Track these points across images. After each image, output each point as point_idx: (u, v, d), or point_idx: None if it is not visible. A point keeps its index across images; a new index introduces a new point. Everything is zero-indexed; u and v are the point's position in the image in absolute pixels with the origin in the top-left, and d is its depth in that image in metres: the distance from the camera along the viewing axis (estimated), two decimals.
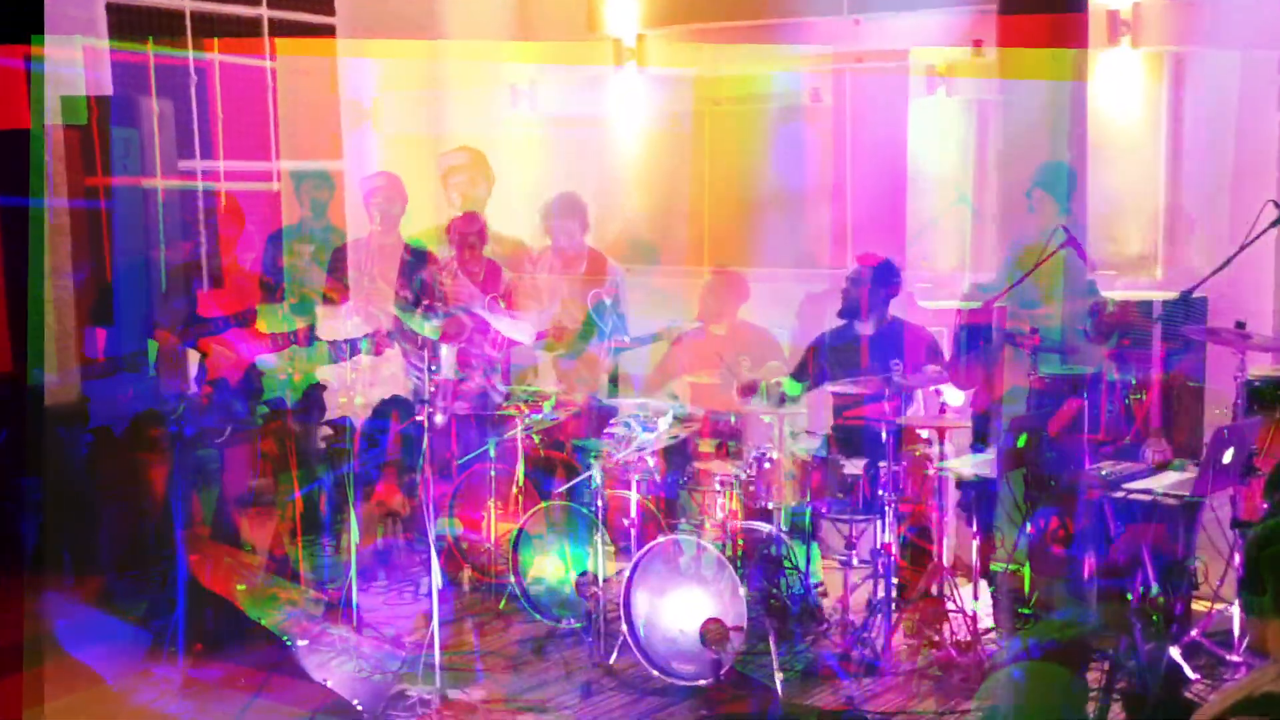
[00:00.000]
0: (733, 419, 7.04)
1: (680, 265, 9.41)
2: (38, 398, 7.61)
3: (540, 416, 7.34)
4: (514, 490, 7.34)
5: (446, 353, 7.28)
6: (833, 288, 8.30)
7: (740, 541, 6.50)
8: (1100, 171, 7.81)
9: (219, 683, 6.33)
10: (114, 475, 7.58)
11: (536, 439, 7.45)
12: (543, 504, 7.07)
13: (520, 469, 7.35)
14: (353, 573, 6.72)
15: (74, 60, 8.12)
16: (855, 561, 6.62)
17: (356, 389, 7.31)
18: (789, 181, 9.15)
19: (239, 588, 6.94)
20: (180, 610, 6.48)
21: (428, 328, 6.71)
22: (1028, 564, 6.53)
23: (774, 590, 6.43)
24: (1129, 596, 6.09)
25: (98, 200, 8.01)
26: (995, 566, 6.61)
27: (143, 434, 7.45)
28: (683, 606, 6.27)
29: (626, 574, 6.38)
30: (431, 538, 6.29)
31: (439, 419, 7.02)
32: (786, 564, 6.53)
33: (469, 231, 8.15)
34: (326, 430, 7.99)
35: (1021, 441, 6.58)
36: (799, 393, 7.18)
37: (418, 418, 6.31)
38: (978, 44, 8.16)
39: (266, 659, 6.40)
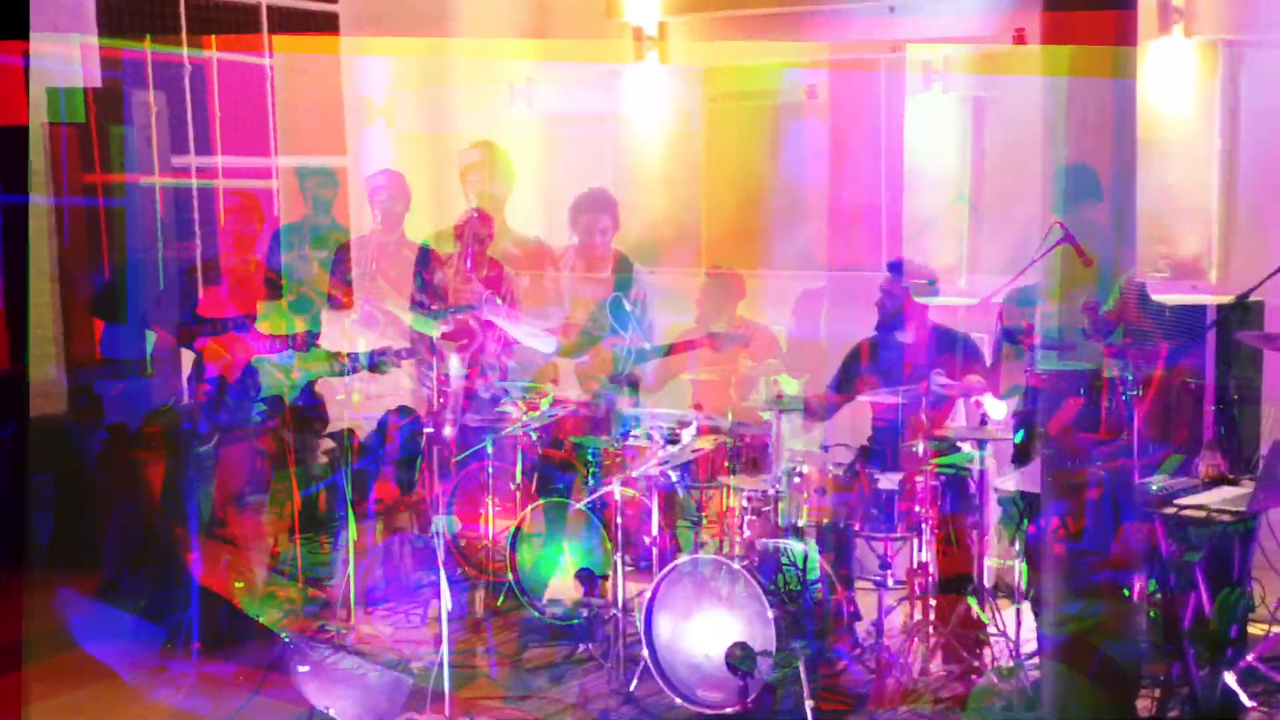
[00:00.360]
0: (728, 417, 6.94)
1: (687, 266, 9.28)
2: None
3: (538, 414, 7.29)
4: (512, 488, 7.31)
5: (455, 362, 7.24)
6: (830, 285, 8.51)
7: (738, 539, 6.47)
8: (1150, 169, 7.57)
9: (234, 678, 6.39)
10: (126, 472, 7.64)
11: (534, 436, 7.41)
12: (541, 500, 7.09)
13: (519, 466, 7.30)
14: (351, 570, 6.78)
15: (71, 56, 8.16)
16: (890, 582, 6.44)
17: (355, 385, 7.35)
18: (786, 180, 9.12)
19: (237, 586, 7.04)
20: (194, 606, 6.58)
21: (432, 327, 6.70)
22: (1025, 560, 6.41)
23: (772, 587, 6.23)
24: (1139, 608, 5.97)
25: (95, 197, 8.01)
26: (992, 562, 6.50)
27: (157, 431, 7.57)
28: (708, 630, 6.07)
29: (648, 595, 6.19)
30: (440, 557, 6.10)
31: (447, 431, 7.07)
32: (784, 560, 6.38)
33: (483, 230, 8.01)
34: (328, 443, 7.95)
35: (1019, 439, 6.54)
36: (796, 390, 7.06)
37: (426, 429, 6.14)
38: (1020, 35, 7.92)
39: (271, 656, 6.42)
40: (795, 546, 6.40)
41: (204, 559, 6.86)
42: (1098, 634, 5.70)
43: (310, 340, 7.41)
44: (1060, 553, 6.05)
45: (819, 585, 6.42)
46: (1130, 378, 6.11)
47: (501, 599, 7.19)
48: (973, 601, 6.34)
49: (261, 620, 6.79)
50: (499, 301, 7.78)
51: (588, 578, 6.69)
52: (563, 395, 7.59)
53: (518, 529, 7.07)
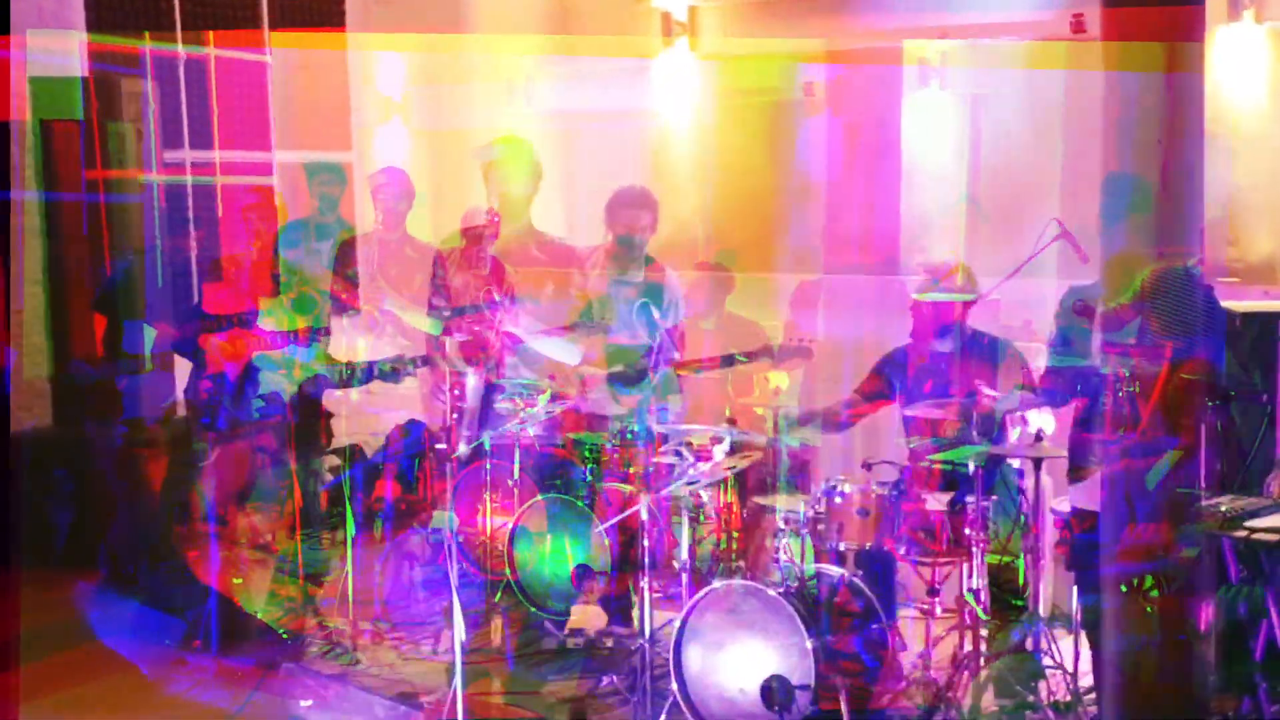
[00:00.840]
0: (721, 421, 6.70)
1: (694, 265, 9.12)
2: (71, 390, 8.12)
3: (536, 410, 7.23)
4: (510, 484, 7.28)
5: (473, 379, 7.17)
6: (839, 285, 8.47)
7: (735, 535, 6.46)
8: (1217, 165, 7.29)
9: (252, 671, 6.46)
10: (142, 468, 7.75)
11: (532, 433, 7.32)
12: (540, 497, 7.07)
13: (516, 464, 7.27)
14: (349, 568, 6.86)
15: (69, 51, 8.11)
16: (939, 610, 6.14)
17: (353, 385, 7.42)
18: (786, 179, 9.08)
19: (236, 583, 7.17)
20: (213, 600, 6.70)
21: (437, 327, 6.81)
22: (1023, 557, 6.25)
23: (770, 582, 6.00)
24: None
25: (94, 193, 8.01)
26: (990, 559, 6.29)
27: (173, 428, 7.69)
28: (741, 662, 5.79)
29: (677, 625, 5.89)
30: (453, 579, 5.82)
31: (462, 448, 6.99)
32: (782, 556, 6.13)
33: (495, 229, 7.76)
34: (334, 460, 7.95)
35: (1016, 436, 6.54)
36: (788, 385, 7.03)
37: (439, 445, 6.37)
38: (1079, 21, 7.59)
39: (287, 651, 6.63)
40: (832, 571, 6.13)
41: (199, 557, 7.05)
42: (1108, 629, 5.49)
43: (313, 338, 7.41)
44: (1064, 553, 6.10)
45: (815, 580, 6.19)
46: (1128, 374, 5.93)
47: (499, 595, 7.07)
48: (970, 599, 6.06)
49: (262, 618, 6.90)
50: (496, 297, 7.58)
51: (584, 574, 6.61)
52: (561, 392, 7.51)
53: (516, 526, 7.04)
